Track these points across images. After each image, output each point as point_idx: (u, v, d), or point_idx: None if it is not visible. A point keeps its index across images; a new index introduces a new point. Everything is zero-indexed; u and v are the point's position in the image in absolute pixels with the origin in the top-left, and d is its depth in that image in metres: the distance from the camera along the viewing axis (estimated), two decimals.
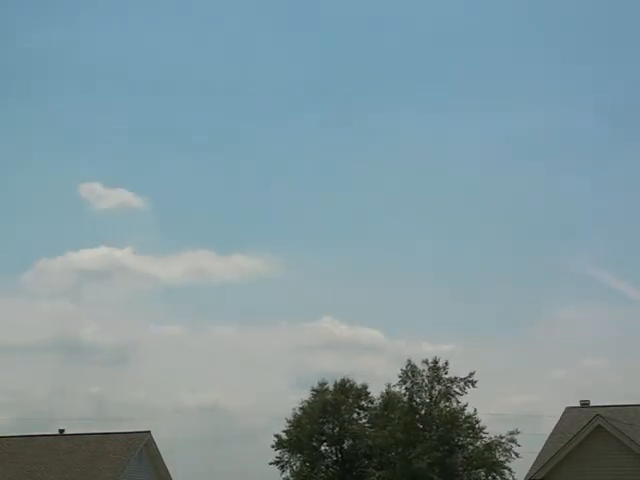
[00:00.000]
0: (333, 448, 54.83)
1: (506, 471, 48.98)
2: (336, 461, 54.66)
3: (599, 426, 33.25)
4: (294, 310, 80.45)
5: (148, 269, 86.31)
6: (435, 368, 50.03)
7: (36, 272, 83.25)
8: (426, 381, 50.23)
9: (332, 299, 78.88)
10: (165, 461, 43.53)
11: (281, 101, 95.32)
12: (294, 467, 54.17)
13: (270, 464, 54.00)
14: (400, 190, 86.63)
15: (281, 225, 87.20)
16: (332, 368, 68.81)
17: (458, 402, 50.21)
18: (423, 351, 78.63)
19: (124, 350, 79.60)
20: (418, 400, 50.55)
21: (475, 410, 50.25)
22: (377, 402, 54.42)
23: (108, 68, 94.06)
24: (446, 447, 49.08)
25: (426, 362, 50.28)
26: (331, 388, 55.14)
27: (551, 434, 37.45)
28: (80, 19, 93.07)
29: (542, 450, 36.26)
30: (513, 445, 48.57)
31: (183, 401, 76.67)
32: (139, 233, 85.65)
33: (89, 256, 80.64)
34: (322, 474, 54.13)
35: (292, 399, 56.25)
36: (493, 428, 50.42)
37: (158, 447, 43.10)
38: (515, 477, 48.13)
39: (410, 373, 50.36)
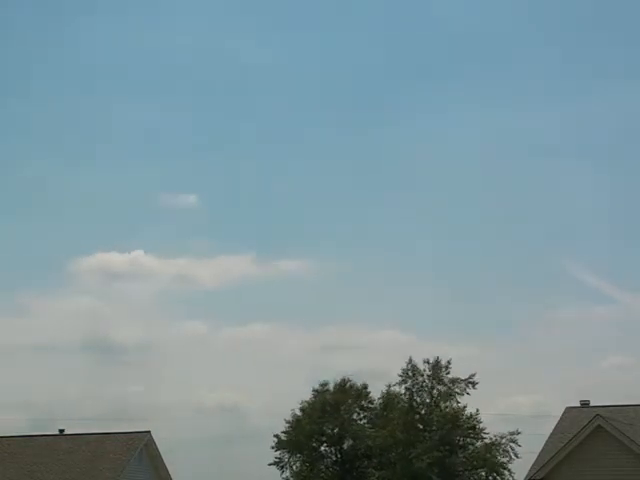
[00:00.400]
0: (333, 448, 54.80)
1: (506, 472, 48.99)
2: (336, 461, 54.64)
3: (599, 426, 33.29)
4: (316, 311, 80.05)
5: (177, 270, 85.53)
6: (437, 368, 50.05)
7: (68, 272, 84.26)
8: (427, 381, 50.26)
9: (352, 301, 78.84)
10: (166, 461, 43.69)
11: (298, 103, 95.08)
12: (294, 467, 54.17)
13: (269, 465, 54.12)
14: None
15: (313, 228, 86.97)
16: (350, 368, 68.77)
17: (458, 402, 50.30)
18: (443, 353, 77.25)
19: (150, 350, 79.47)
20: (418, 400, 50.58)
21: (477, 410, 50.36)
22: (377, 402, 54.44)
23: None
24: (446, 447, 49.06)
25: (427, 362, 50.33)
26: (331, 388, 55.16)
27: (551, 434, 37.48)
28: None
29: (542, 450, 36.30)
30: (513, 445, 48.65)
31: (202, 400, 76.77)
32: (172, 235, 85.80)
33: (120, 257, 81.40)
34: (322, 474, 54.10)
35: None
36: (493, 428, 50.54)
37: (161, 447, 43.31)
38: (515, 477, 48.21)
39: (410, 372, 50.40)
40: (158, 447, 43.19)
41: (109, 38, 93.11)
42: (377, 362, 68.39)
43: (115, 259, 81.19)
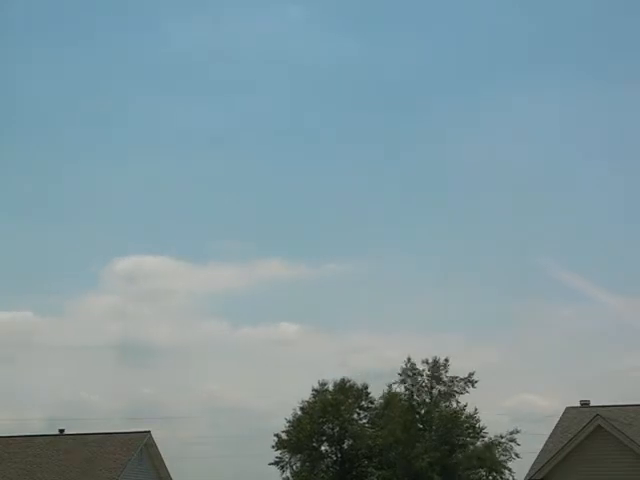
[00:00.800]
0: (333, 448, 54.79)
1: (506, 471, 49.07)
2: (336, 461, 54.63)
3: (599, 426, 33.28)
4: (343, 313, 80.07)
5: (206, 273, 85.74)
6: (435, 367, 50.06)
7: (100, 273, 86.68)
8: (426, 381, 50.28)
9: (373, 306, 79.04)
10: (167, 461, 43.74)
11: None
12: (294, 467, 54.16)
13: (270, 464, 54.13)
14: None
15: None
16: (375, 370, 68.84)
17: (458, 402, 50.32)
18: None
19: (179, 351, 79.78)
20: (418, 399, 50.59)
21: (476, 409, 50.38)
22: (377, 402, 54.46)
23: None
24: (446, 447, 49.12)
25: (426, 361, 50.34)
26: (331, 388, 55.15)
27: (551, 434, 37.39)
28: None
29: (542, 450, 36.22)
30: (513, 445, 48.70)
31: (229, 400, 77.80)
32: (206, 239, 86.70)
33: (152, 260, 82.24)
34: (322, 474, 54.08)
35: None
36: (493, 428, 50.60)
37: (169, 447, 43.55)
38: (515, 477, 48.26)
39: (410, 372, 50.41)
40: (158, 447, 43.28)
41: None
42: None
43: (147, 261, 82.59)
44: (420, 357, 51.03)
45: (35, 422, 70.52)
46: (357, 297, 79.62)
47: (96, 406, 73.83)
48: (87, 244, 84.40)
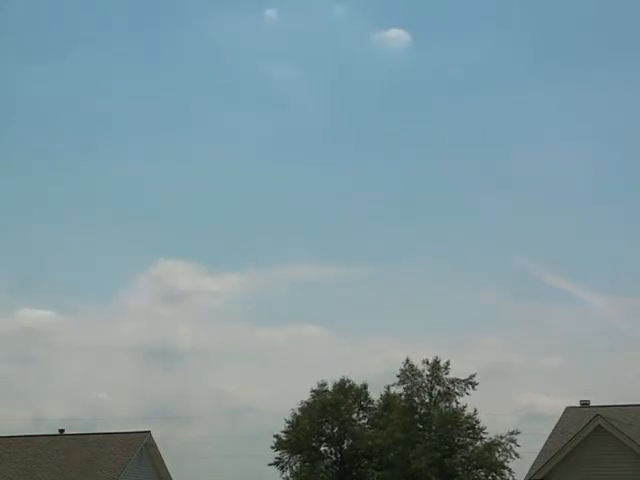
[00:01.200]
0: (333, 448, 54.79)
1: (506, 471, 49.03)
2: (336, 461, 54.63)
3: (599, 426, 33.31)
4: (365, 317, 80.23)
5: (236, 278, 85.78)
6: (435, 368, 50.06)
7: (133, 277, 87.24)
8: (426, 381, 50.28)
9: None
10: (167, 461, 43.77)
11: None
12: (294, 467, 54.15)
13: (269, 465, 54.10)
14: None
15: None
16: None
17: (458, 403, 50.32)
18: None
19: (205, 353, 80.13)
20: (417, 400, 50.58)
21: (475, 410, 50.36)
22: (377, 402, 54.45)
23: None
24: (446, 447, 49.10)
25: (426, 362, 50.34)
26: (330, 388, 55.15)
27: (551, 434, 37.42)
28: None
29: (542, 450, 36.24)
30: (513, 445, 48.66)
31: (253, 401, 77.81)
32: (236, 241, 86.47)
33: (183, 265, 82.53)
34: (322, 474, 54.06)
35: None
36: (493, 428, 50.56)
37: (162, 447, 43.38)
38: (515, 477, 48.24)
39: (409, 373, 50.41)
40: (158, 447, 43.30)
41: None
42: None
43: (179, 266, 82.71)
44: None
45: (55, 422, 72.05)
46: (378, 299, 79.71)
47: (112, 406, 74.79)
48: (114, 246, 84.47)
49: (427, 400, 50.53)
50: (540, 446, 36.95)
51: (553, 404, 78.07)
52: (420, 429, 50.35)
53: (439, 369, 50.10)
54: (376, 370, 66.39)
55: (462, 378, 49.99)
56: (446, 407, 50.18)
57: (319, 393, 55.12)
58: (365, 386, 55.38)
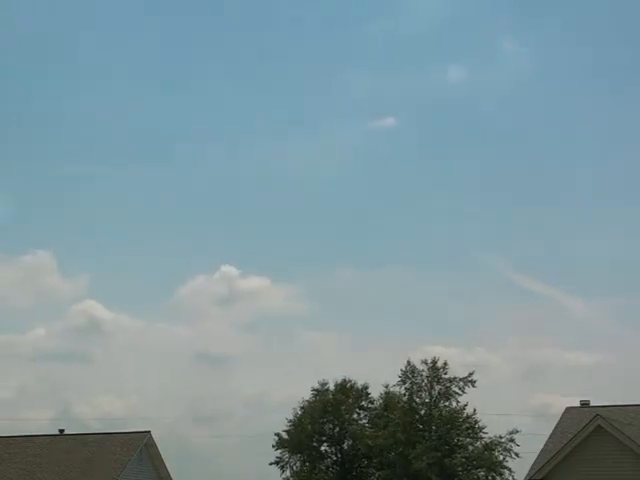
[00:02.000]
0: (333, 448, 54.82)
1: (506, 471, 49.00)
2: (336, 461, 54.64)
3: (599, 426, 33.27)
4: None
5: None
6: (434, 368, 50.06)
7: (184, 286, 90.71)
8: (425, 381, 50.27)
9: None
10: (167, 461, 43.73)
11: None
12: (294, 467, 54.16)
13: (270, 464, 54.10)
14: None
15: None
16: None
17: (458, 402, 50.30)
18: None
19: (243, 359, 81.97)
20: (418, 400, 50.57)
21: (474, 410, 50.33)
22: (377, 402, 54.44)
23: None
24: (446, 447, 49.07)
25: (425, 362, 50.35)
26: (332, 388, 55.15)
27: (551, 434, 37.42)
28: None
29: (542, 450, 36.24)
30: (512, 445, 48.63)
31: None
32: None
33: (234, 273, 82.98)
34: (322, 474, 54.09)
35: None
36: (492, 428, 50.50)
37: (159, 447, 43.25)
38: (515, 477, 48.20)
39: (410, 373, 50.42)
40: (158, 447, 43.26)
41: None
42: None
43: (230, 274, 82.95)
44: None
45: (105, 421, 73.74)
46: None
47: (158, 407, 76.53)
48: (173, 257, 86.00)
49: (427, 400, 50.52)
50: (540, 446, 36.98)
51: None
52: (420, 429, 50.34)
53: (438, 369, 50.09)
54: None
55: (460, 377, 50.03)
56: (446, 407, 50.16)
57: (320, 392, 55.14)
58: (366, 386, 55.45)
